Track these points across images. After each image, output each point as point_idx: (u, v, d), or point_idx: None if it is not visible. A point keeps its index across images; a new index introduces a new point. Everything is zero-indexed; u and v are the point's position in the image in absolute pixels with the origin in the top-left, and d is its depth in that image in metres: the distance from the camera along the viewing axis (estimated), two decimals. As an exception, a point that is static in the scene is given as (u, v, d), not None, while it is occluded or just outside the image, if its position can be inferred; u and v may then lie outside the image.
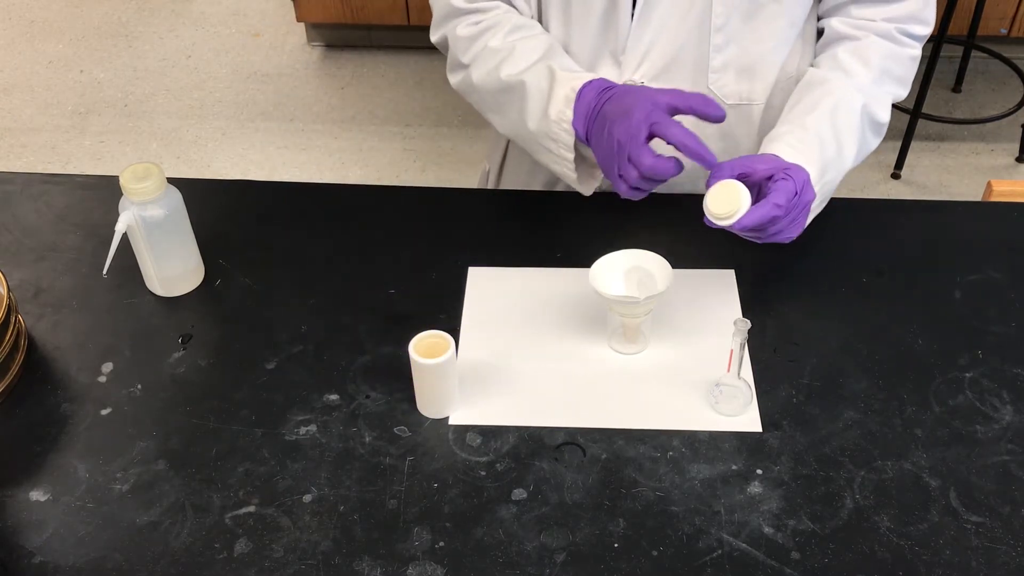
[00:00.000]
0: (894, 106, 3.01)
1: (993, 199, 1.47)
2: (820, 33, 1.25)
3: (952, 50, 3.13)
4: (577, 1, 1.17)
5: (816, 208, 1.11)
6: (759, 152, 1.11)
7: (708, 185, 1.00)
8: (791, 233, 1.04)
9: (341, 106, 3.14)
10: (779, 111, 1.25)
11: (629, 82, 1.20)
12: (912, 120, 2.72)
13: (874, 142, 1.19)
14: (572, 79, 1.11)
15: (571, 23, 1.20)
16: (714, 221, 0.99)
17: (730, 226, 0.99)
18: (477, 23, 1.20)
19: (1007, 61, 3.00)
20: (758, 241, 1.04)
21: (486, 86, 1.19)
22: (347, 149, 2.96)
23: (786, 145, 1.08)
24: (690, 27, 1.16)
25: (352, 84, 3.24)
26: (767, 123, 1.25)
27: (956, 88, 3.12)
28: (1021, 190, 1.46)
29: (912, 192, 2.76)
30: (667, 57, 1.18)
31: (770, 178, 1.01)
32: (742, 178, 1.01)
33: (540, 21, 1.23)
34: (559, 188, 1.33)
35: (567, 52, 1.20)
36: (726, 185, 0.98)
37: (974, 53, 3.06)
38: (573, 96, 1.09)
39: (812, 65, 1.20)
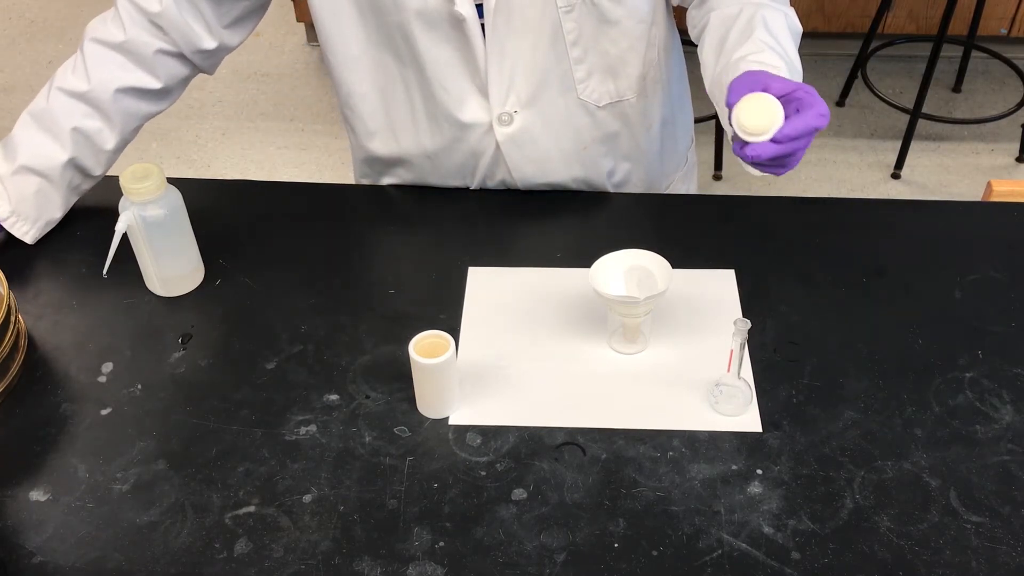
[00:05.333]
0: (894, 106, 3.02)
1: (993, 199, 1.47)
2: (679, 10, 1.24)
3: (952, 50, 3.13)
4: (425, 48, 1.16)
5: None
6: (718, 86, 1.06)
7: (730, 103, 0.94)
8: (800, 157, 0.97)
9: (341, 106, 3.14)
10: (650, 97, 1.26)
11: (504, 115, 1.20)
12: (912, 120, 2.72)
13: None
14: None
15: (425, 71, 1.18)
16: (748, 138, 0.92)
17: (765, 142, 0.91)
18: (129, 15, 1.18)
19: (1007, 61, 3.00)
20: (778, 173, 0.97)
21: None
22: (347, 149, 2.96)
23: (755, 63, 1.02)
24: (546, 49, 1.16)
25: (352, 84, 3.24)
26: (642, 114, 1.27)
27: (956, 88, 3.12)
28: (1021, 190, 1.46)
29: (912, 192, 2.76)
30: (533, 83, 1.19)
31: (784, 96, 0.95)
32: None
33: (401, 63, 1.20)
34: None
35: (433, 95, 1.20)
36: (762, 99, 0.92)
37: (974, 53, 3.06)
38: None
39: (711, 10, 1.16)
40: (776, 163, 0.95)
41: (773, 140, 0.92)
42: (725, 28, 1.11)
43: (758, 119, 0.91)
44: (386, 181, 1.35)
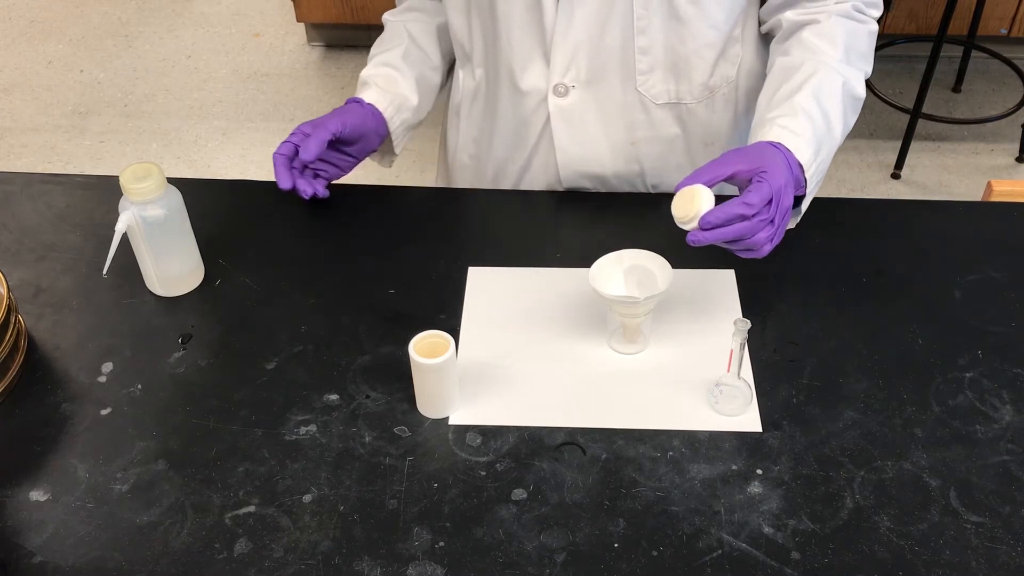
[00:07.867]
0: (894, 106, 3.01)
1: (993, 199, 1.47)
2: (769, 37, 1.25)
3: (952, 50, 3.13)
4: (501, 2, 1.19)
5: (811, 192, 1.09)
6: (749, 140, 1.11)
7: (675, 191, 1.00)
8: (768, 239, 1.00)
9: (341, 106, 3.14)
10: (718, 114, 1.26)
11: (560, 86, 1.22)
12: (912, 120, 2.72)
13: (852, 119, 1.17)
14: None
15: (497, 23, 1.21)
16: (679, 224, 0.99)
17: (697, 228, 0.97)
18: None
19: (1007, 61, 3.01)
20: (741, 254, 1.02)
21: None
22: (347, 149, 2.96)
23: (778, 127, 1.06)
24: (614, 30, 1.17)
25: (352, 84, 3.24)
26: (701, 123, 1.27)
27: (956, 88, 3.12)
28: (1021, 190, 1.46)
29: (912, 192, 2.76)
30: (595, 61, 1.20)
31: (750, 181, 1.00)
32: (725, 180, 1.01)
33: (468, 19, 1.26)
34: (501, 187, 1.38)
35: (498, 48, 1.23)
36: (690, 189, 0.98)
37: (974, 53, 3.07)
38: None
39: (781, 54, 1.18)
40: (737, 246, 1.00)
41: (702, 228, 0.97)
42: (782, 79, 1.14)
43: (682, 207, 0.98)
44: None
